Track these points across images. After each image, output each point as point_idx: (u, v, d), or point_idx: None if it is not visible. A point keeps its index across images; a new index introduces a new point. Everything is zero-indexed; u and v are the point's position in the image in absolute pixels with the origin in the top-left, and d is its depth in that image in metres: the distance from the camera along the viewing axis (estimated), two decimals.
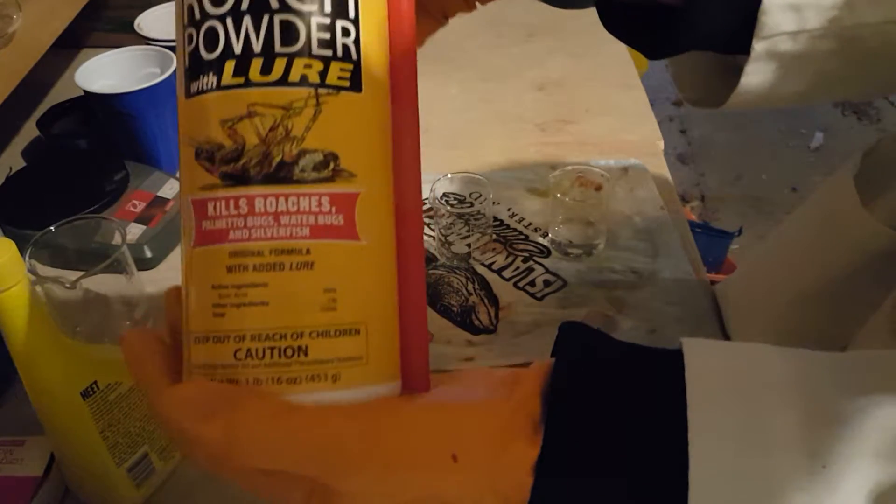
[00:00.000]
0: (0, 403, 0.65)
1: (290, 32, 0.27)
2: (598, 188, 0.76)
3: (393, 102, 0.29)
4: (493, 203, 0.82)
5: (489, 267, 0.75)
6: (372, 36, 0.28)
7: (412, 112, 0.30)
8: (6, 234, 0.75)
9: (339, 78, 0.27)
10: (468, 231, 0.77)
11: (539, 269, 0.75)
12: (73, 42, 1.07)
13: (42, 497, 0.56)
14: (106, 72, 0.86)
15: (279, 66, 0.27)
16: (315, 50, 0.27)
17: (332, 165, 0.27)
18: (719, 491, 0.27)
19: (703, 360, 0.29)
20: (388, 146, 0.29)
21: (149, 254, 0.77)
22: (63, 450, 0.55)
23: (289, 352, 0.27)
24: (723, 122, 2.52)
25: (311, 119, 0.27)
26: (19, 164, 0.93)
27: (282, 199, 0.27)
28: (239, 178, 0.27)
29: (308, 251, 0.27)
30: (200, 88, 0.28)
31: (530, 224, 0.80)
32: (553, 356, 0.31)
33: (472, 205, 0.79)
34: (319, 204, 0.27)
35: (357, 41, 0.28)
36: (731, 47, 0.40)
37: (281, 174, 0.27)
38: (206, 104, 0.28)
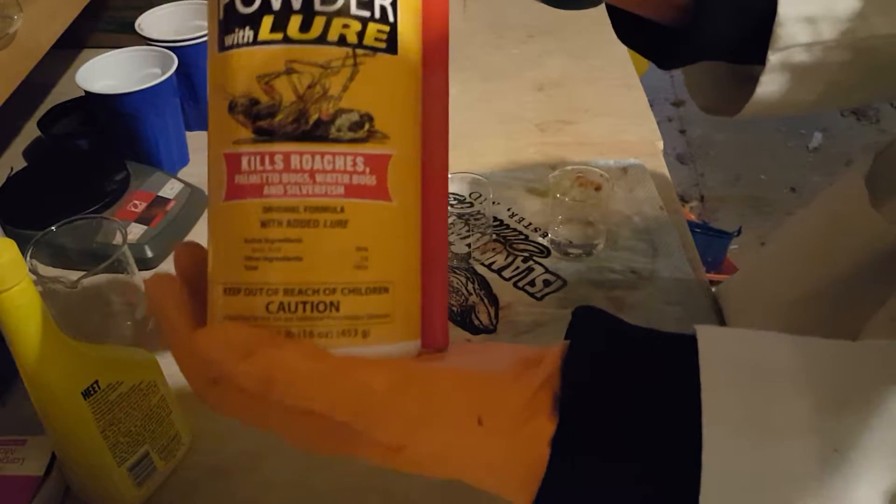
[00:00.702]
0: (1, 403, 0.65)
1: None
2: (598, 188, 0.76)
3: (424, 66, 0.30)
4: (493, 203, 0.82)
5: (489, 267, 0.75)
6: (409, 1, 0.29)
7: (443, 76, 0.30)
8: (7, 234, 0.75)
9: (377, 39, 0.28)
10: (468, 231, 0.77)
11: (539, 269, 0.75)
12: (74, 42, 1.07)
13: (43, 496, 0.56)
14: (107, 72, 0.86)
15: (318, 24, 0.27)
16: (353, 10, 0.27)
17: (367, 126, 0.28)
18: (731, 476, 0.27)
19: (716, 346, 0.29)
20: (418, 109, 0.30)
21: (150, 254, 0.77)
22: (64, 449, 0.55)
23: (321, 307, 0.27)
24: (722, 122, 2.52)
25: (349, 79, 0.27)
26: (20, 164, 0.93)
27: (318, 157, 0.27)
28: (275, 134, 0.27)
29: (342, 209, 0.27)
30: (236, 42, 0.28)
31: (530, 224, 0.80)
32: (567, 338, 0.31)
33: (472, 205, 0.79)
34: (354, 164, 0.28)
35: (394, 3, 0.28)
36: (742, 57, 0.40)
37: (318, 132, 0.27)
38: (241, 58, 0.28)
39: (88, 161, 0.86)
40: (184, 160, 0.92)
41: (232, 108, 0.28)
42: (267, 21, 0.27)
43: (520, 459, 0.29)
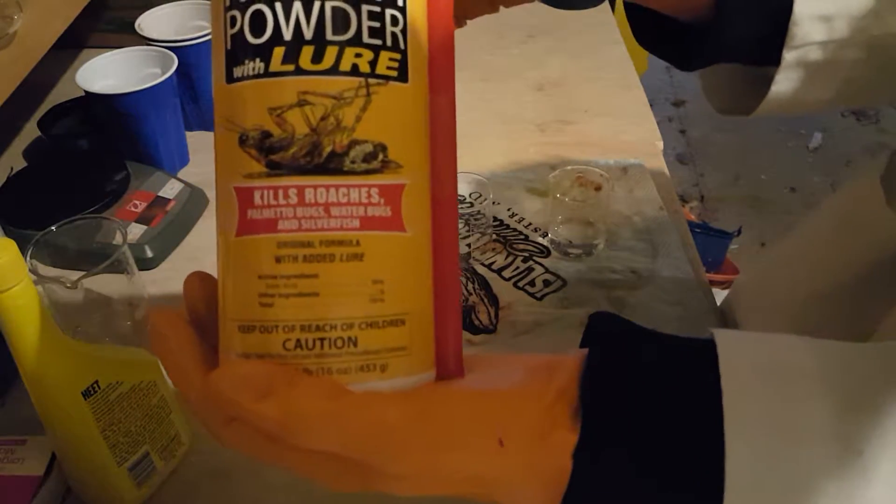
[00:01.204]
0: (1, 403, 0.65)
1: (341, 20, 0.27)
2: (598, 188, 0.76)
3: (431, 91, 0.29)
4: (493, 203, 0.82)
5: (489, 267, 0.75)
6: (416, 25, 0.28)
7: (450, 102, 0.30)
8: (7, 234, 0.75)
9: (388, 68, 0.27)
10: (468, 231, 0.78)
11: (539, 269, 0.75)
12: (74, 42, 1.07)
13: (43, 496, 0.56)
14: (107, 72, 0.86)
15: (330, 54, 0.27)
16: (366, 38, 0.27)
17: (380, 156, 0.27)
18: (754, 482, 0.27)
19: (735, 351, 0.29)
20: (427, 137, 0.29)
21: (150, 254, 0.77)
22: (64, 449, 0.55)
23: (339, 342, 0.27)
24: (722, 122, 2.52)
25: (362, 109, 0.27)
26: (20, 164, 0.93)
27: (332, 190, 0.27)
28: (288, 167, 0.27)
29: (358, 243, 0.27)
30: (246, 74, 0.27)
31: (530, 224, 0.80)
32: (583, 346, 0.31)
33: (472, 205, 0.79)
34: (369, 196, 0.27)
35: (405, 31, 0.28)
36: (758, 58, 0.41)
37: (332, 165, 0.27)
38: (252, 90, 0.27)
39: (88, 161, 0.86)
40: (184, 160, 0.92)
41: (243, 141, 0.27)
42: (278, 52, 0.27)
43: (541, 474, 0.29)
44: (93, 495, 0.57)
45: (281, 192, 0.27)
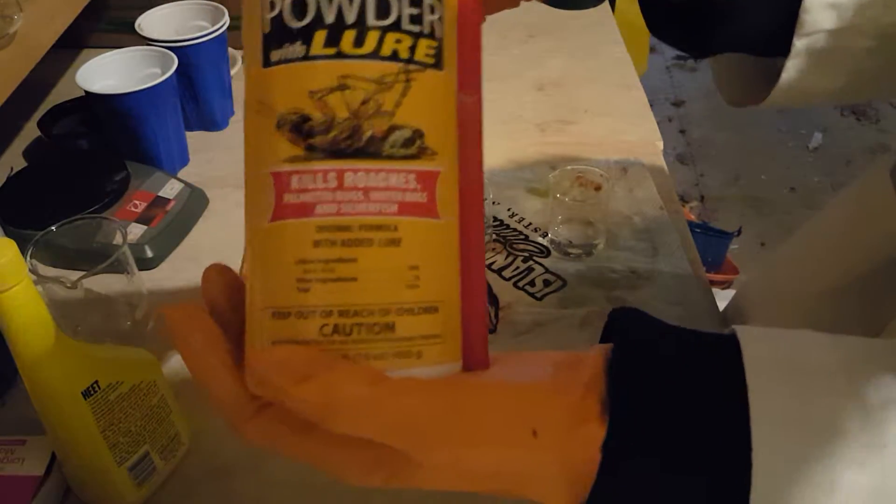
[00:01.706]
0: (1, 403, 0.65)
1: (382, 5, 0.27)
2: (598, 188, 0.76)
3: (460, 85, 0.30)
4: (493, 203, 0.82)
5: (489, 267, 0.75)
6: (451, 14, 0.29)
7: (477, 90, 0.30)
8: (7, 234, 0.75)
9: (426, 55, 0.28)
10: None
11: (539, 269, 0.75)
12: (74, 42, 1.07)
13: (43, 496, 0.56)
14: (107, 72, 0.86)
15: (372, 38, 0.27)
16: (405, 25, 0.27)
17: (417, 143, 0.27)
18: (781, 474, 0.28)
19: (757, 346, 0.30)
20: (456, 126, 0.30)
21: (150, 254, 0.77)
22: (64, 449, 0.55)
23: (376, 328, 0.27)
24: (722, 122, 2.53)
25: (401, 94, 0.27)
26: (20, 164, 0.93)
27: (372, 175, 0.27)
28: (328, 151, 0.27)
29: (396, 228, 0.27)
30: (285, 57, 0.27)
31: (530, 224, 0.80)
32: (604, 340, 0.32)
33: None
34: (406, 181, 0.27)
35: (441, 19, 0.28)
36: (769, 49, 0.41)
37: (371, 149, 0.27)
38: (291, 73, 0.27)
39: (88, 161, 0.86)
40: (184, 160, 0.92)
41: (280, 124, 0.27)
42: (320, 35, 0.27)
43: (571, 467, 0.29)
44: (93, 495, 0.57)
45: (320, 176, 0.27)
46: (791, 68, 0.40)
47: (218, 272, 0.31)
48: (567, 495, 0.30)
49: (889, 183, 0.53)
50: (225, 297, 0.30)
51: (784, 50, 0.40)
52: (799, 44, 0.39)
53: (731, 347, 0.30)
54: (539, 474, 0.30)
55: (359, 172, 0.27)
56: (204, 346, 0.29)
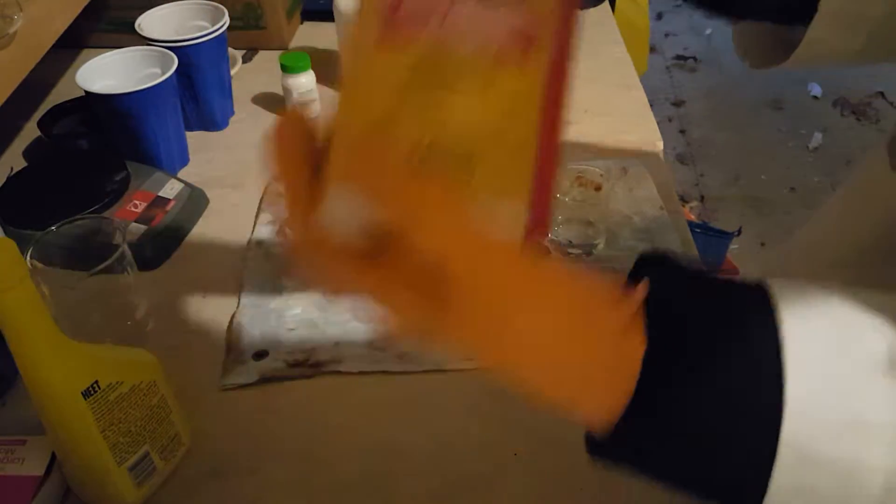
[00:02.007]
0: (1, 403, 0.65)
1: None
2: (598, 188, 0.76)
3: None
4: None
5: None
6: None
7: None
8: (7, 234, 0.76)
9: None
10: None
11: None
12: (74, 42, 1.07)
13: (43, 496, 0.56)
14: (107, 72, 0.86)
15: None
16: None
17: None
18: (814, 406, 0.29)
19: (787, 289, 0.31)
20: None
21: (150, 253, 0.77)
22: (64, 449, 0.55)
23: (461, 160, 0.28)
24: (722, 122, 2.52)
25: None
26: (20, 164, 0.93)
27: (477, 13, 0.28)
28: None
29: (492, 66, 0.28)
30: None
31: None
32: (632, 276, 0.33)
33: None
34: (509, 24, 0.28)
35: None
36: (788, 17, 0.43)
37: None
38: None
39: (88, 161, 0.86)
40: (184, 160, 0.92)
41: None
42: None
43: (613, 373, 0.30)
44: (93, 495, 0.57)
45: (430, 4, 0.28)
46: (814, 27, 0.41)
47: (293, 116, 0.31)
48: (602, 400, 0.30)
49: (884, 154, 0.54)
50: (299, 139, 0.31)
51: (802, 18, 0.41)
52: (824, 7, 0.40)
53: (762, 292, 0.31)
54: (580, 367, 0.31)
55: (469, 2, 0.28)
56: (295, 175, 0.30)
